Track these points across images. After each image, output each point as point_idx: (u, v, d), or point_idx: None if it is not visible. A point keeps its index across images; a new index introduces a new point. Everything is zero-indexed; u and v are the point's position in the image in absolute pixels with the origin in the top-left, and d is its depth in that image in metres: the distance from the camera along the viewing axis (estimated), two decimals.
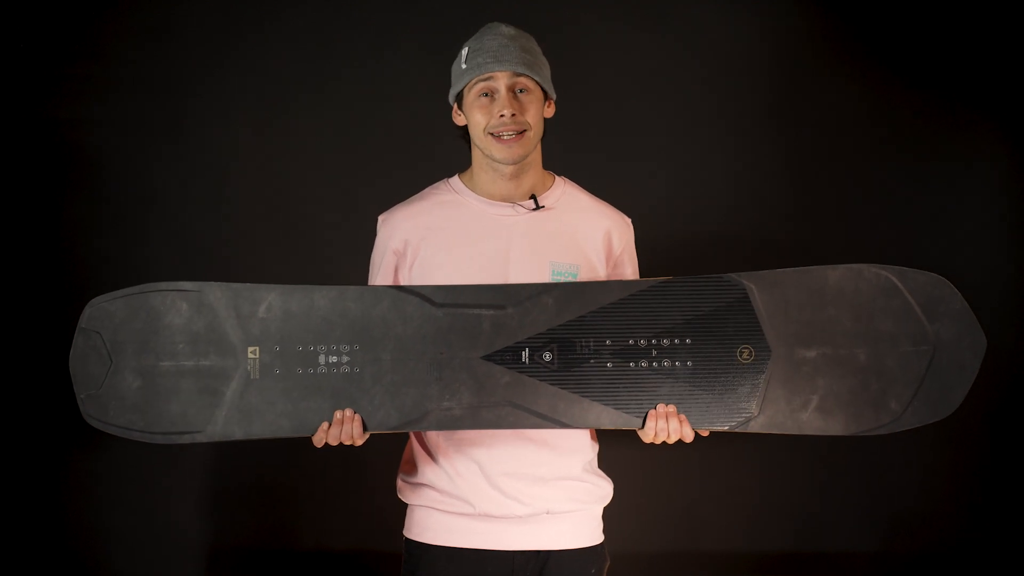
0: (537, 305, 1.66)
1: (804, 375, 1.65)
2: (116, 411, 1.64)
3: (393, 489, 1.84)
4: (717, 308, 1.67)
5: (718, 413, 1.65)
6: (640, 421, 1.65)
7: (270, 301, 1.66)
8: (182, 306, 1.65)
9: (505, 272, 1.74)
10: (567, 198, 1.81)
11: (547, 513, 1.75)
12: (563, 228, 1.78)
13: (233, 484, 2.71)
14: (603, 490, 1.82)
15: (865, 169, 2.75)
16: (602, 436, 1.85)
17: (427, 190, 1.84)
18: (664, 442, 1.66)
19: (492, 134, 1.72)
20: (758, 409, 1.65)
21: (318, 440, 1.65)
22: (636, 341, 1.66)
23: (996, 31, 2.73)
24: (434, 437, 1.77)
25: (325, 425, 1.64)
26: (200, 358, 1.65)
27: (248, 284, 1.66)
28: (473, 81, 1.73)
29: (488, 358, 1.66)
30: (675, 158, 2.76)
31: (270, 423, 1.65)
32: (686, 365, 1.66)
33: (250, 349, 1.65)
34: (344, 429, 1.64)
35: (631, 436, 1.71)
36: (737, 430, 1.65)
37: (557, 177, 1.84)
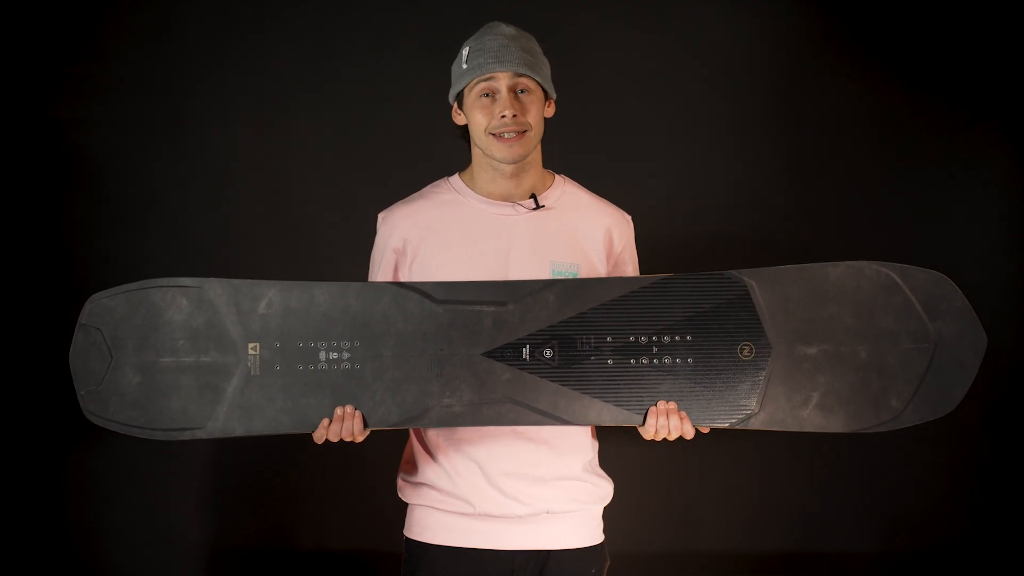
0: (538, 302, 1.66)
1: (805, 372, 1.65)
2: (116, 407, 1.63)
3: (393, 488, 1.84)
4: (718, 305, 1.67)
5: (719, 410, 1.65)
6: (641, 418, 1.65)
7: (270, 297, 1.66)
8: (182, 302, 1.64)
9: (505, 272, 1.73)
10: (567, 197, 1.81)
11: (547, 513, 1.74)
12: (563, 227, 1.78)
13: (233, 483, 2.70)
14: (603, 490, 1.81)
15: (865, 169, 2.75)
16: (602, 434, 1.85)
17: (427, 188, 1.83)
18: (665, 439, 1.66)
19: (493, 134, 1.72)
20: (758, 406, 1.65)
21: (318, 437, 1.65)
22: (637, 338, 1.66)
23: (996, 31, 2.73)
24: (434, 436, 1.77)
25: (325, 421, 1.64)
26: (200, 354, 1.64)
27: (248, 280, 1.66)
28: (474, 81, 1.73)
29: (489, 355, 1.66)
30: (675, 158, 2.76)
31: (271, 419, 1.64)
32: (687, 362, 1.66)
33: (250, 345, 1.65)
34: (345, 425, 1.63)
35: (631, 433, 1.71)
36: (737, 427, 1.65)
37: (557, 176, 1.84)
